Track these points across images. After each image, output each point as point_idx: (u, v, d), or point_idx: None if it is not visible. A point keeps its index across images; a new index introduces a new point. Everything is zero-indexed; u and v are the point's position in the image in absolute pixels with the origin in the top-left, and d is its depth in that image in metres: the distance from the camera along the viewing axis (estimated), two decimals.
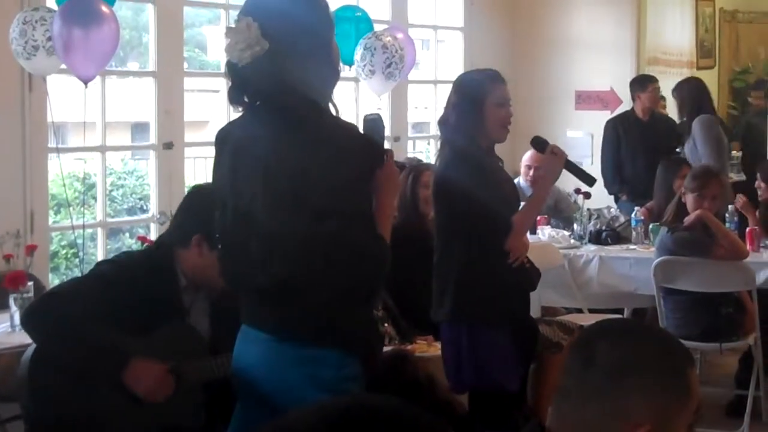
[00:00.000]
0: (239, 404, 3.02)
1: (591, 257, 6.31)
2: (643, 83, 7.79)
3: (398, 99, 7.88)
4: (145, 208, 8.73)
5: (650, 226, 6.42)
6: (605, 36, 8.77)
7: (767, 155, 8.30)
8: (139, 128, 10.72)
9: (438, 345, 4.56)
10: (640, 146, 7.63)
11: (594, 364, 1.80)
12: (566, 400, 1.83)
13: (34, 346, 3.51)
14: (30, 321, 3.48)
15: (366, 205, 2.83)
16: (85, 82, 5.20)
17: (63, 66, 5.18)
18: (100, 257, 5.83)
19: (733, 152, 9.77)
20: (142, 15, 8.82)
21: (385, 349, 3.77)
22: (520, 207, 4.40)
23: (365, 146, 2.84)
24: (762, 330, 5.60)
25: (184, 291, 3.57)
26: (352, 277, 2.77)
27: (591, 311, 6.21)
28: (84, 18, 5.01)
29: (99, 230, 6.12)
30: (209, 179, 3.12)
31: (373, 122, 2.95)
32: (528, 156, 6.88)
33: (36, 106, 5.53)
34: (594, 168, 7.41)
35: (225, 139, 2.93)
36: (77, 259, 5.76)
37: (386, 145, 2.93)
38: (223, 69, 3.02)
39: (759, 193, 6.60)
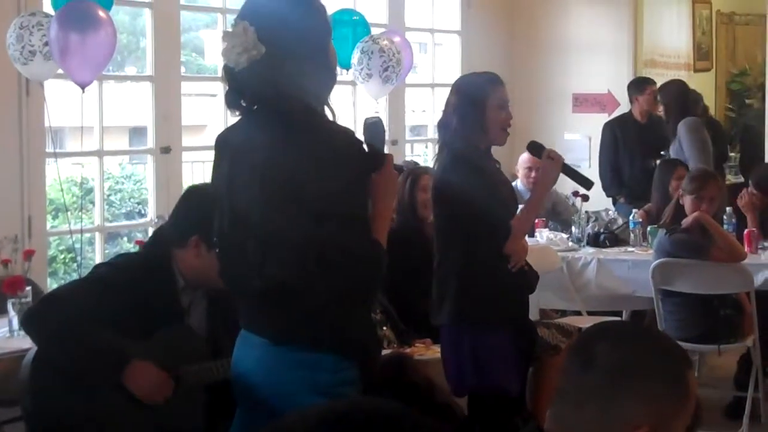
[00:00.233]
0: (239, 409, 3.02)
1: (589, 260, 6.31)
2: (640, 86, 7.79)
3: (396, 102, 7.88)
4: (143, 212, 8.73)
5: (648, 229, 6.42)
6: (602, 39, 8.78)
7: (765, 157, 8.31)
8: (136, 132, 10.72)
9: (436, 348, 4.56)
10: (637, 149, 7.63)
11: (593, 366, 1.80)
12: (565, 402, 1.83)
13: (35, 348, 3.53)
14: (30, 323, 3.51)
15: (362, 208, 2.83)
16: (82, 87, 5.20)
17: (60, 71, 5.18)
18: (98, 262, 5.82)
19: (731, 154, 9.79)
20: (139, 19, 8.82)
21: (384, 352, 3.76)
22: (518, 210, 4.39)
23: (361, 150, 2.84)
24: (760, 331, 5.60)
25: (183, 291, 3.58)
26: (347, 281, 2.76)
27: (589, 314, 6.21)
28: (81, 23, 5.01)
29: (97, 235, 6.12)
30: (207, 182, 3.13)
31: (374, 126, 2.95)
32: (526, 158, 6.88)
33: (33, 111, 5.53)
34: (592, 171, 7.42)
35: (224, 144, 2.93)
36: (75, 264, 5.76)
37: (385, 149, 2.94)
38: (220, 73, 3.01)
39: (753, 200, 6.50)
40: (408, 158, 7.96)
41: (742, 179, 8.80)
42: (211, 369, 3.47)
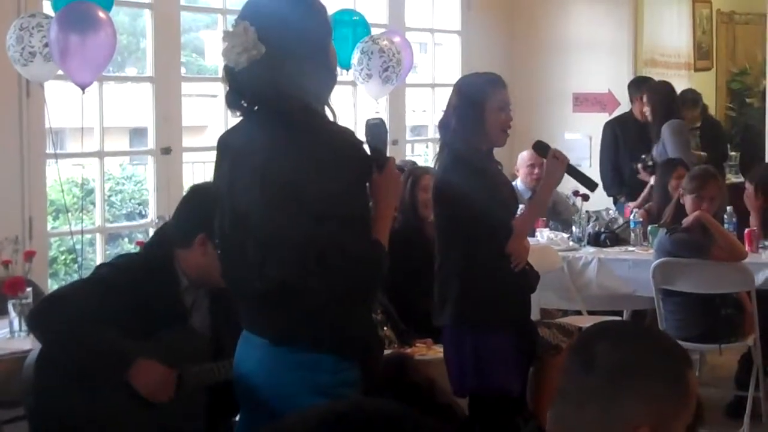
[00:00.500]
0: (242, 410, 3.03)
1: (590, 259, 6.31)
2: (640, 85, 7.79)
3: (396, 102, 7.88)
4: (143, 213, 8.73)
5: (649, 228, 6.42)
6: (603, 38, 8.77)
7: (765, 157, 8.30)
8: (137, 133, 10.73)
9: (437, 348, 4.57)
10: (638, 148, 7.63)
11: (593, 366, 1.80)
12: (566, 402, 1.83)
13: (38, 348, 3.54)
14: (35, 322, 3.53)
15: (362, 209, 2.83)
16: (83, 88, 5.20)
17: (60, 72, 5.18)
18: (98, 263, 5.82)
19: (732, 153, 9.78)
20: (139, 20, 8.82)
21: (385, 352, 3.76)
22: (519, 210, 4.39)
23: (361, 150, 2.84)
24: (761, 331, 5.60)
25: (186, 291, 3.58)
26: (347, 282, 2.76)
27: (590, 313, 6.21)
28: (81, 24, 5.01)
29: (98, 236, 6.12)
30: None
31: (376, 127, 2.95)
32: (527, 155, 6.89)
33: (34, 112, 5.53)
34: (592, 170, 7.42)
35: (225, 145, 2.94)
36: (76, 265, 5.76)
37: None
38: (220, 73, 3.02)
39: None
40: (408, 158, 7.96)
41: (742, 178, 8.78)
42: (213, 370, 3.47)
